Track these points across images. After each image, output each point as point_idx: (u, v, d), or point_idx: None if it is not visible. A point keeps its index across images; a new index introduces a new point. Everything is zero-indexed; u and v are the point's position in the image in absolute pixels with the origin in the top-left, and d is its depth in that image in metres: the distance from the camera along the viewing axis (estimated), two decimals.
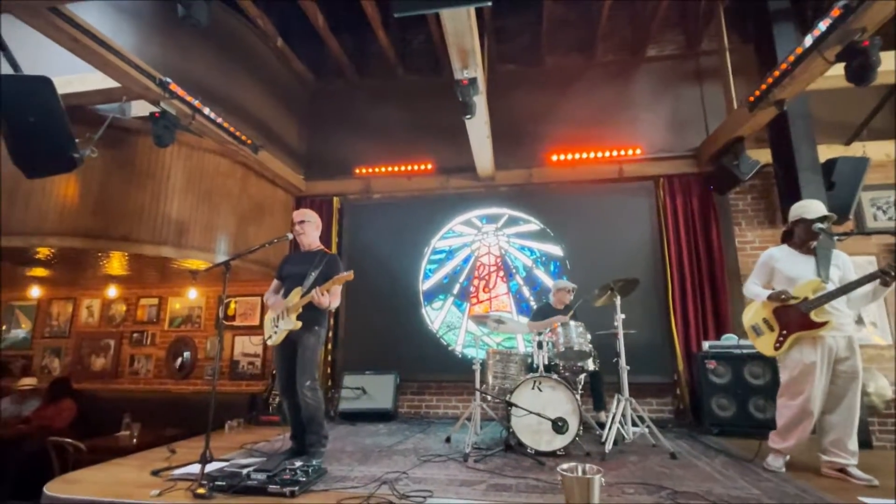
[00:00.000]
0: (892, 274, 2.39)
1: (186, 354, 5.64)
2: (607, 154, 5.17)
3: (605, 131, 5.33)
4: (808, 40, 3.09)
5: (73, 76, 3.44)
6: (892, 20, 2.82)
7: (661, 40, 5.52)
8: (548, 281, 5.06)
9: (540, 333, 3.64)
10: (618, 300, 3.57)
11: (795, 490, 2.38)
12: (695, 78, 5.35)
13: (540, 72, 5.71)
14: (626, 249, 4.93)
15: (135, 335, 5.81)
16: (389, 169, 5.59)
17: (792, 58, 3.27)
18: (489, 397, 3.68)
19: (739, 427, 3.79)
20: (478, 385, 3.66)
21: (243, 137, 4.25)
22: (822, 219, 2.68)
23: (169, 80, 3.37)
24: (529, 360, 3.70)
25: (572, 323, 3.59)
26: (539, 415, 3.10)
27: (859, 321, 4.45)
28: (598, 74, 5.58)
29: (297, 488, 2.30)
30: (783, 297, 2.67)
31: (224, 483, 2.35)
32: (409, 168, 5.55)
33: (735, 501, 2.19)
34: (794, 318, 2.65)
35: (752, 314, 2.88)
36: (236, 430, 4.20)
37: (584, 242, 5.06)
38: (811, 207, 2.76)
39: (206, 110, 3.83)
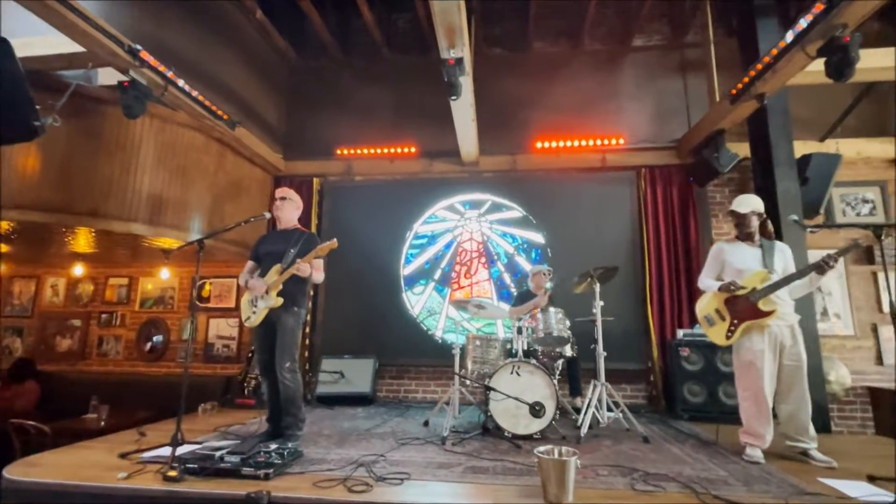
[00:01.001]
0: (831, 264, 2.55)
1: (158, 337, 5.49)
2: (591, 143, 5.18)
3: (589, 120, 5.33)
4: (791, 34, 3.12)
5: (35, 38, 3.22)
6: (878, 19, 2.87)
7: (647, 31, 5.52)
8: (529, 268, 5.08)
9: (520, 319, 3.66)
10: (597, 287, 3.61)
11: (760, 472, 2.47)
12: (679, 70, 5.38)
13: (527, 57, 5.66)
14: (607, 238, 4.99)
15: (103, 316, 5.61)
16: (372, 151, 5.48)
17: (775, 51, 3.31)
18: (468, 382, 3.69)
19: (709, 413, 3.91)
20: (457, 369, 3.67)
21: (220, 112, 4.08)
22: (758, 214, 2.91)
23: (139, 47, 3.18)
24: (509, 346, 3.72)
25: (552, 309, 3.62)
26: (517, 399, 3.13)
27: (824, 313, 4.64)
28: (585, 62, 5.55)
29: (271, 471, 2.26)
30: (732, 288, 2.79)
31: (196, 466, 2.30)
32: (393, 151, 5.45)
33: (703, 482, 2.26)
34: (744, 307, 2.77)
35: (705, 305, 2.99)
36: (210, 414, 4.12)
37: (565, 230, 5.09)
38: (741, 202, 2.94)
39: (181, 83, 3.65)
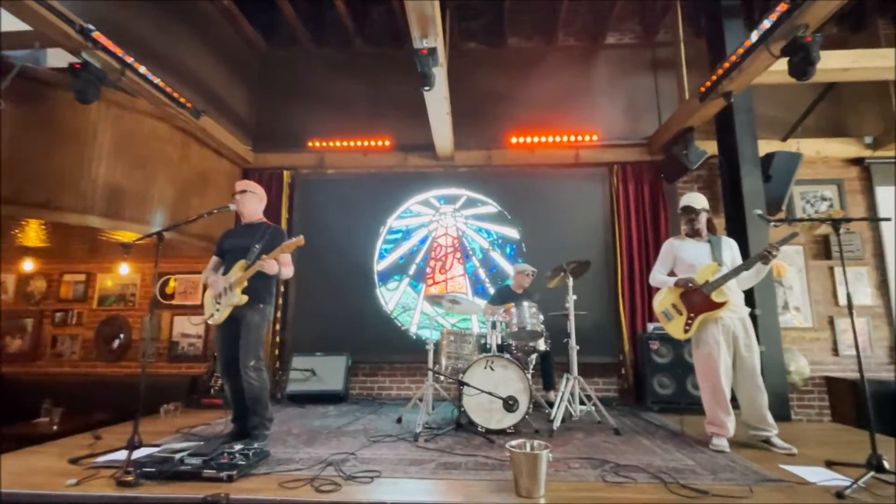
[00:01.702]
0: (774, 253, 2.66)
1: (120, 336, 5.24)
2: (565, 139, 5.22)
3: (563, 116, 5.36)
4: (756, 34, 3.20)
5: None
6: (836, 23, 2.97)
7: (620, 29, 5.59)
8: (504, 263, 5.09)
9: (493, 314, 3.65)
10: (570, 282, 3.63)
11: (726, 461, 2.53)
12: (650, 68, 5.48)
13: (502, 52, 5.65)
14: (580, 234, 5.04)
15: (58, 314, 5.31)
16: (345, 144, 5.37)
17: (741, 50, 3.39)
18: (442, 377, 3.66)
19: (678, 404, 4.00)
20: (430, 365, 3.63)
21: (183, 100, 3.90)
22: (707, 210, 3.05)
23: (92, 27, 2.99)
24: (483, 341, 3.71)
25: (525, 303, 3.62)
26: (491, 394, 3.11)
27: (785, 306, 4.82)
28: (559, 58, 5.58)
29: (235, 472, 2.17)
30: (690, 284, 2.87)
31: (153, 469, 2.18)
32: (366, 144, 5.35)
33: (672, 472, 2.29)
34: (699, 300, 2.87)
35: (662, 300, 3.07)
36: (173, 415, 3.95)
37: (539, 226, 5.11)
38: (686, 199, 3.10)
39: (143, 69, 3.47)
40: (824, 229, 4.84)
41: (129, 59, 3.31)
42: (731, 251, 2.98)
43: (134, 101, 3.83)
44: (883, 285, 4.78)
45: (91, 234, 3.92)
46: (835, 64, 3.64)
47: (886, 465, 2.10)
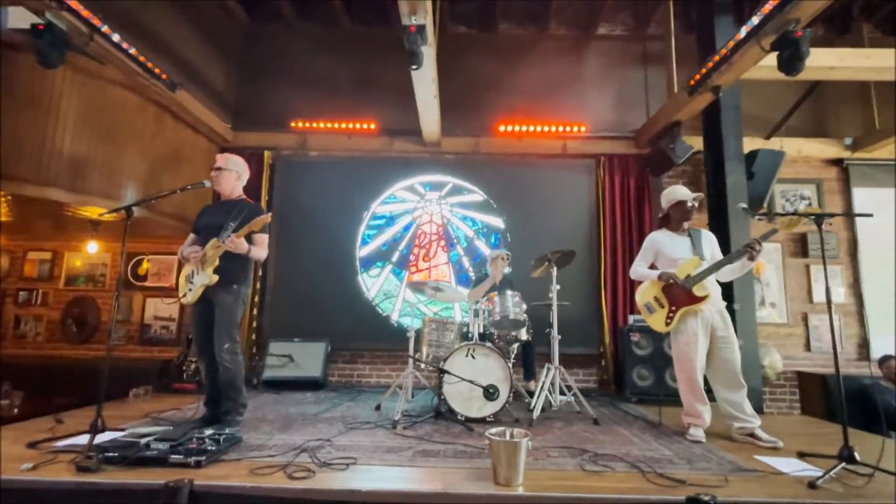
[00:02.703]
0: (757, 248, 2.66)
1: (88, 317, 5.03)
2: (553, 129, 5.18)
3: (552, 106, 5.32)
4: (747, 27, 3.19)
5: None
6: (823, 23, 2.97)
7: (611, 20, 5.55)
8: (488, 252, 5.04)
9: (477, 302, 3.60)
10: (554, 271, 3.60)
11: (702, 451, 2.55)
12: (640, 61, 5.46)
13: (492, 38, 5.55)
14: (565, 225, 5.02)
15: (21, 293, 5.07)
16: (329, 125, 5.21)
17: (732, 44, 3.38)
18: (423, 365, 3.61)
19: (656, 395, 4.04)
20: (411, 352, 3.57)
21: (157, 71, 3.70)
22: (694, 198, 3.00)
23: None
24: (465, 329, 3.66)
25: (509, 292, 3.58)
26: (471, 382, 3.07)
27: (762, 303, 4.90)
28: (550, 47, 5.52)
29: (203, 458, 2.08)
30: (672, 280, 2.87)
31: (116, 454, 2.07)
32: (351, 126, 5.21)
33: (649, 461, 2.29)
34: (680, 294, 2.87)
35: (644, 293, 3.06)
36: (143, 399, 3.81)
37: (525, 216, 5.08)
38: (681, 191, 3.05)
39: (116, 37, 3.26)
40: (803, 227, 4.93)
41: (98, 23, 3.11)
42: (710, 245, 2.99)
43: (102, 68, 3.61)
44: (855, 284, 4.90)
45: (55, 209, 3.71)
46: (821, 62, 3.67)
47: (857, 457, 2.13)
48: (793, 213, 4.44)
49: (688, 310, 2.85)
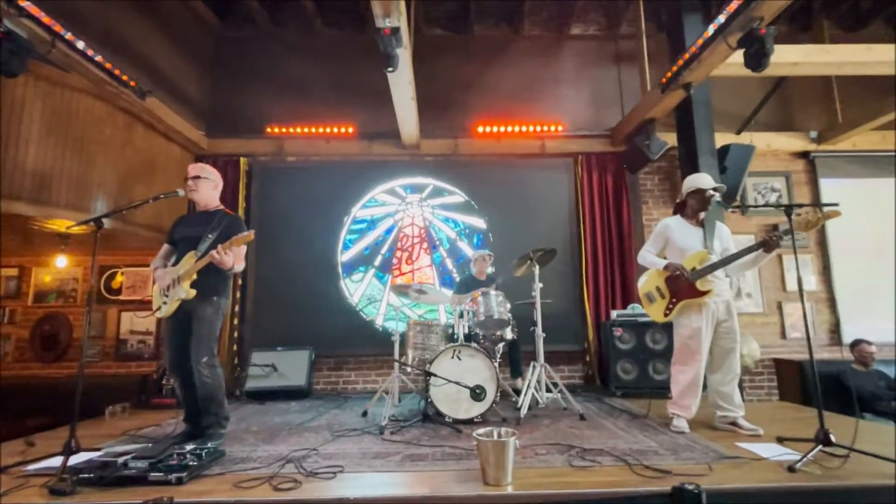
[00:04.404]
0: (775, 240, 2.59)
1: (60, 334, 4.85)
2: (531, 129, 5.22)
3: (529, 106, 5.37)
4: (714, 24, 3.28)
5: None
6: (788, 21, 3.07)
7: (584, 20, 5.63)
8: (471, 253, 5.05)
9: (461, 303, 3.60)
10: (536, 270, 3.63)
11: (686, 441, 2.60)
12: (614, 60, 5.55)
13: (468, 40, 5.57)
14: (546, 223, 5.06)
15: None
16: (306, 130, 5.15)
17: (700, 41, 3.47)
18: (409, 369, 3.59)
19: (640, 388, 4.11)
20: (396, 356, 3.55)
21: (125, 78, 3.60)
22: (715, 189, 2.88)
23: None
24: (450, 331, 3.66)
25: (493, 292, 3.59)
26: (458, 383, 3.07)
27: (738, 293, 5.03)
28: (525, 48, 5.57)
29: (185, 474, 2.02)
30: (678, 272, 2.83)
31: (92, 475, 2.00)
32: (329, 130, 5.16)
33: (635, 454, 2.32)
34: (683, 286, 2.84)
35: (646, 282, 3.05)
36: (120, 417, 3.69)
37: (506, 215, 5.10)
38: (704, 179, 2.95)
39: (80, 44, 3.16)
40: (774, 218, 5.09)
41: (61, 30, 3.01)
42: (721, 241, 2.91)
43: (66, 76, 3.49)
44: (825, 272, 5.07)
45: (21, 223, 3.56)
46: (786, 58, 3.80)
47: (833, 439, 2.20)
48: (763, 206, 4.60)
49: (689, 302, 2.81)
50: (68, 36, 3.08)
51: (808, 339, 2.39)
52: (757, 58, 3.03)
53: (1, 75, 2.80)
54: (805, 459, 2.09)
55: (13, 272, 4.93)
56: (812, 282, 5.05)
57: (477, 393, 3.09)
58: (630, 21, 5.40)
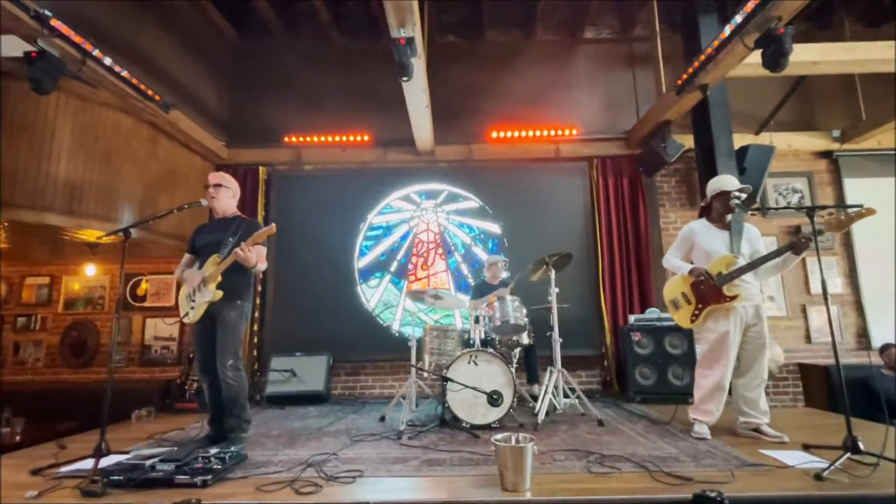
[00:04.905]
0: (804, 242, 2.52)
1: (88, 340, 5.01)
2: (545, 133, 5.22)
3: (543, 110, 5.37)
4: (731, 25, 3.24)
5: None
6: (806, 19, 3.03)
7: (597, 23, 5.61)
8: (485, 258, 5.05)
9: (477, 308, 3.62)
10: (552, 275, 3.62)
11: (707, 448, 2.55)
12: (628, 63, 5.52)
13: (480, 46, 5.61)
14: (561, 228, 5.04)
15: (20, 319, 5.05)
16: (323, 139, 5.25)
17: (716, 43, 3.43)
18: (425, 374, 3.61)
19: (659, 394, 4.04)
20: (413, 362, 3.57)
21: (150, 93, 3.73)
22: (740, 190, 2.81)
23: (49, 13, 2.82)
24: (466, 336, 3.67)
25: (509, 297, 3.59)
26: (475, 389, 3.07)
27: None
28: (538, 53, 5.58)
29: (210, 477, 2.07)
30: (703, 276, 2.76)
31: (121, 477, 2.07)
32: (345, 139, 5.25)
33: (655, 460, 2.30)
34: (709, 292, 2.77)
35: (672, 288, 2.98)
36: (145, 420, 3.79)
37: (521, 220, 5.10)
38: (729, 181, 2.89)
39: (108, 60, 3.29)
40: (796, 220, 4.98)
41: (91, 49, 3.14)
42: (749, 244, 2.84)
43: (95, 92, 3.64)
44: (851, 273, 4.94)
45: (52, 234, 3.72)
46: (805, 57, 3.72)
47: (861, 446, 2.14)
48: (784, 207, 4.50)
49: (715, 308, 2.74)
50: (97, 53, 3.21)
51: (834, 342, 2.34)
52: (775, 58, 2.98)
53: (35, 93, 2.93)
54: (833, 467, 2.04)
55: (45, 280, 5.12)
56: (838, 284, 4.92)
57: (494, 398, 3.09)
58: (644, 23, 5.37)
